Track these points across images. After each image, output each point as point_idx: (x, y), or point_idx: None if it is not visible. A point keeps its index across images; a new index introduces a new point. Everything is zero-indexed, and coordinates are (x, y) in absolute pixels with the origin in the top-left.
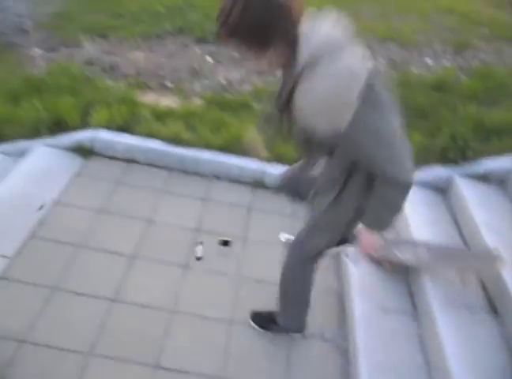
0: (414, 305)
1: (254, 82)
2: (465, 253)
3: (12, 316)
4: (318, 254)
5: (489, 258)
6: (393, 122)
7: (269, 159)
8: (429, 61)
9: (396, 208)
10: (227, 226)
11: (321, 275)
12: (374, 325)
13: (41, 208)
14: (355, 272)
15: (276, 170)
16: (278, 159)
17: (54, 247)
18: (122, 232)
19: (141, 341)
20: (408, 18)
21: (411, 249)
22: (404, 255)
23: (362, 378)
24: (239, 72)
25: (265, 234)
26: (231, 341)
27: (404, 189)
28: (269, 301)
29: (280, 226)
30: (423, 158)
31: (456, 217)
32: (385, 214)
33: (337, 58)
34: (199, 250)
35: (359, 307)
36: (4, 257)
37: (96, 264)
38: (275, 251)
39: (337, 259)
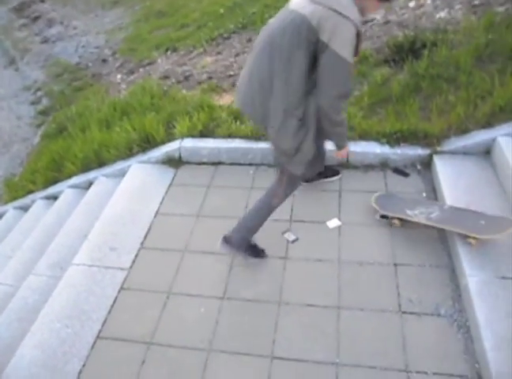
0: None
1: None
2: (480, 216)
3: (138, 321)
4: None
5: (503, 224)
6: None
7: (352, 137)
8: None
9: None
10: (318, 212)
11: (430, 251)
12: (493, 296)
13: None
14: (463, 242)
15: (358, 148)
16: (362, 135)
17: (163, 255)
18: (221, 232)
19: (254, 334)
20: None
21: (423, 208)
22: (413, 213)
23: (489, 353)
24: None
25: (359, 215)
26: (341, 326)
27: None
28: (373, 282)
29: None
30: None
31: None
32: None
33: None
34: (289, 235)
35: (473, 279)
36: (122, 269)
37: (203, 266)
38: (372, 231)
39: (444, 232)
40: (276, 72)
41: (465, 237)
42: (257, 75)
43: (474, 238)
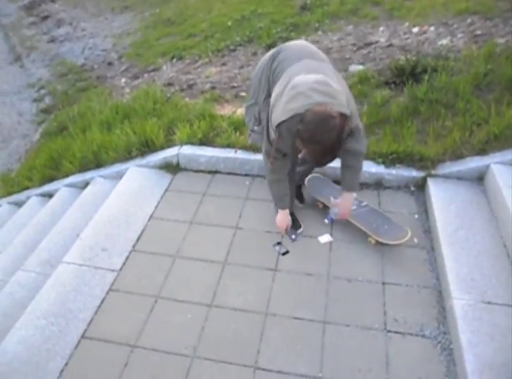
0: None
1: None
2: (386, 221)
3: (123, 323)
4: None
5: (399, 233)
6: None
7: None
8: None
9: None
10: (311, 227)
11: (419, 272)
12: (477, 320)
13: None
14: (452, 266)
15: None
16: None
17: (154, 259)
18: (213, 240)
19: (239, 343)
20: None
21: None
22: (335, 201)
23: (471, 377)
24: None
25: (351, 232)
26: (325, 341)
27: None
28: (360, 299)
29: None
30: None
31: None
32: None
33: None
34: (280, 248)
35: (459, 302)
36: (113, 270)
37: (192, 273)
38: (362, 249)
39: (433, 254)
40: None
41: (367, 236)
42: None
43: (374, 238)
